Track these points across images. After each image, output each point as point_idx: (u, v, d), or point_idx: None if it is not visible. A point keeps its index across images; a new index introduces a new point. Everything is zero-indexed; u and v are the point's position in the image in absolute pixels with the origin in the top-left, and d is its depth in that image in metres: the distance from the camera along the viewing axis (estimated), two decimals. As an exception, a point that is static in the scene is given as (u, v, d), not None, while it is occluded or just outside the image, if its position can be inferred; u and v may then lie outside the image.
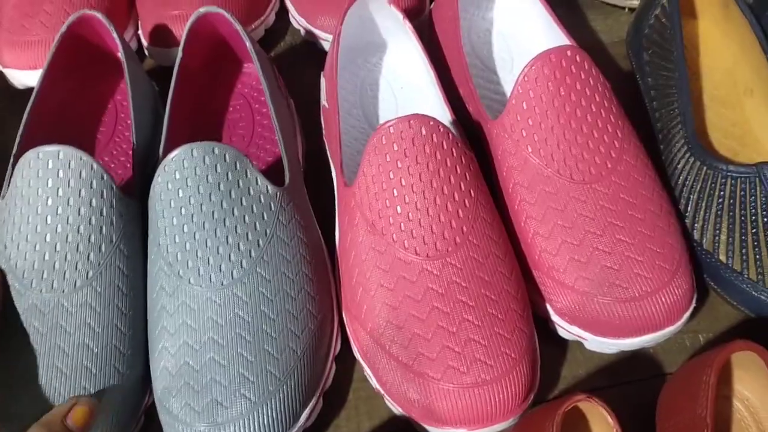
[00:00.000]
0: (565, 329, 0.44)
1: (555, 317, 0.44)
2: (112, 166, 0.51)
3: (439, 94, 0.48)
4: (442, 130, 0.42)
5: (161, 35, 0.56)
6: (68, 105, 0.52)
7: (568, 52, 0.44)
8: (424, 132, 0.42)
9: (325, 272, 0.45)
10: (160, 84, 0.55)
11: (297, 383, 0.40)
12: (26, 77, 0.54)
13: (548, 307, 0.44)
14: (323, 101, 0.51)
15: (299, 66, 0.59)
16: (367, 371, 0.43)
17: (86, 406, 0.36)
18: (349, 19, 0.50)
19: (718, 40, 0.55)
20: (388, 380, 0.41)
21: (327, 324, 0.43)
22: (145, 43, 0.57)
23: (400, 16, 0.50)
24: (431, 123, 0.42)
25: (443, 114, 0.48)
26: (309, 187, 0.49)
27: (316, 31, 0.57)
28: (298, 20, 0.59)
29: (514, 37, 0.54)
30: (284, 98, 0.51)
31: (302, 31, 0.59)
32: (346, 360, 0.44)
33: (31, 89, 0.49)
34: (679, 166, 0.47)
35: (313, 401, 0.41)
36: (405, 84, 0.53)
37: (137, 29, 0.59)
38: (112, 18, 0.55)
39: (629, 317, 0.41)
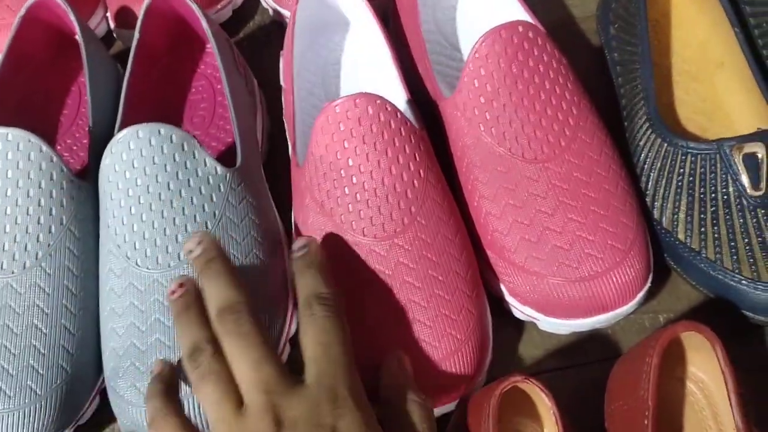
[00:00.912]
0: (519, 310, 0.43)
1: (508, 297, 0.43)
2: (75, 148, 0.51)
3: (397, 74, 0.48)
4: (389, 108, 0.42)
5: (126, 17, 0.56)
6: (31, 88, 0.52)
7: (520, 28, 0.43)
8: (370, 111, 0.41)
9: (278, 254, 0.45)
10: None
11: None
12: (-9, 61, 0.54)
13: (502, 287, 0.43)
14: (281, 81, 0.50)
15: (268, 46, 0.58)
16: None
17: None
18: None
19: (692, 15, 0.53)
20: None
21: (280, 305, 0.43)
22: (112, 25, 0.57)
23: (357, -6, 0.49)
24: (378, 102, 0.41)
25: (400, 93, 0.47)
26: (273, 166, 0.49)
27: (283, 11, 0.57)
28: (266, 0, 0.59)
29: (478, 14, 0.53)
30: (244, 79, 0.51)
31: (270, 11, 0.59)
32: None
33: None
34: (641, 144, 0.46)
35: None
36: (366, 63, 0.52)
37: (107, 11, 0.59)
38: (81, 1, 0.55)
39: (580, 297, 0.40)
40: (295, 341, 0.44)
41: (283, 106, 0.51)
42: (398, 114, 0.42)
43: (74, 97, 0.53)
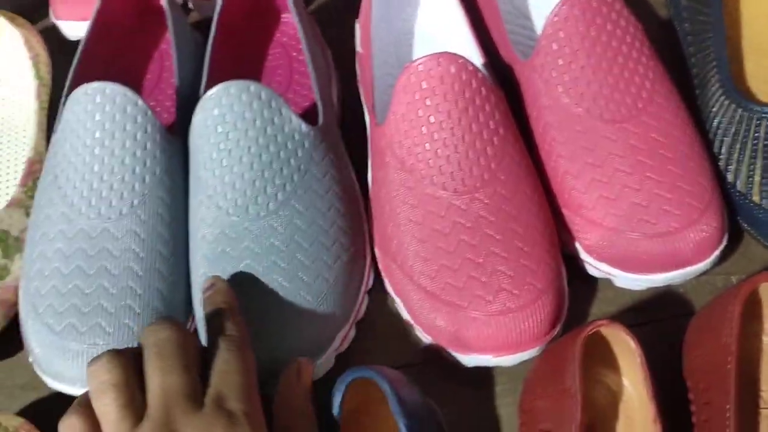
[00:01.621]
0: (594, 266, 0.44)
1: (584, 255, 0.44)
2: (158, 110, 0.53)
3: (472, 40, 0.49)
4: (470, 68, 0.43)
5: (204, -12, 0.58)
6: (115, 54, 0.54)
7: (599, -9, 0.44)
8: (452, 70, 0.42)
9: (357, 210, 0.47)
10: (204, 36, 0.56)
11: (329, 309, 0.41)
12: (77, 28, 0.57)
13: (577, 245, 0.44)
14: (358, 47, 0.52)
15: (338, 17, 0.60)
16: (398, 303, 0.44)
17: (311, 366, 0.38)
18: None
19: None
20: (416, 310, 0.42)
21: (359, 258, 0.45)
22: (189, -4, 0.59)
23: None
24: (460, 61, 0.43)
25: (476, 58, 0.49)
26: (344, 132, 0.51)
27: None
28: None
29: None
30: (321, 47, 0.53)
31: (339, -15, 0.61)
32: (379, 295, 0.46)
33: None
34: (714, 110, 0.47)
35: (346, 328, 0.42)
36: (440, 32, 0.53)
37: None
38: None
39: (657, 252, 0.41)
40: (373, 294, 0.45)
41: (358, 72, 0.52)
42: (479, 73, 0.43)
43: (156, 62, 0.55)
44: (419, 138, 0.43)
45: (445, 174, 0.42)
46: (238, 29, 0.54)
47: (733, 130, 0.46)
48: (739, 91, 0.49)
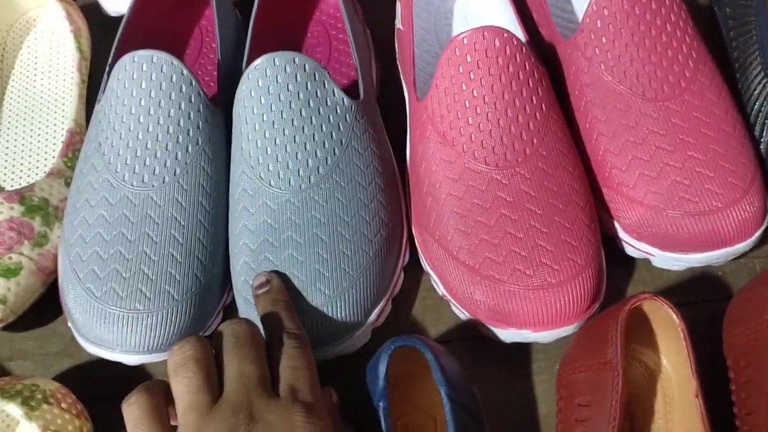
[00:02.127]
0: (633, 246, 0.44)
1: (623, 234, 0.44)
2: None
3: (514, 17, 0.49)
4: (515, 42, 0.43)
5: (243, -33, 0.58)
6: (155, 30, 0.55)
7: (646, -29, 0.44)
8: (497, 44, 0.43)
9: (395, 186, 0.47)
10: (244, 14, 0.57)
11: (368, 283, 0.41)
12: (119, 4, 0.57)
13: (616, 224, 0.44)
14: (398, 24, 0.52)
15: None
16: (434, 278, 0.44)
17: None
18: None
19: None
20: (454, 285, 0.42)
21: (397, 233, 0.45)
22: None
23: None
24: (505, 35, 0.43)
25: (517, 36, 0.48)
26: (382, 110, 0.51)
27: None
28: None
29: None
30: (362, 26, 0.53)
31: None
32: (414, 271, 0.46)
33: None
34: (755, 92, 0.47)
35: (383, 303, 0.43)
36: (479, 12, 0.53)
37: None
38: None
39: (699, 231, 0.41)
40: (408, 270, 0.46)
41: (397, 48, 0.52)
42: (524, 48, 0.43)
43: (196, 38, 0.56)
44: (462, 112, 0.43)
45: (487, 148, 0.42)
46: (278, 7, 0.55)
47: (775, 111, 0.45)
48: None
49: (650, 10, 0.44)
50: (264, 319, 0.38)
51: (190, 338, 0.35)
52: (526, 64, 0.43)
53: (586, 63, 0.45)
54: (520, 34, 0.49)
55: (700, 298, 0.44)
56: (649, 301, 0.37)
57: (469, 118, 0.43)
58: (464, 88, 0.43)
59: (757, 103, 0.47)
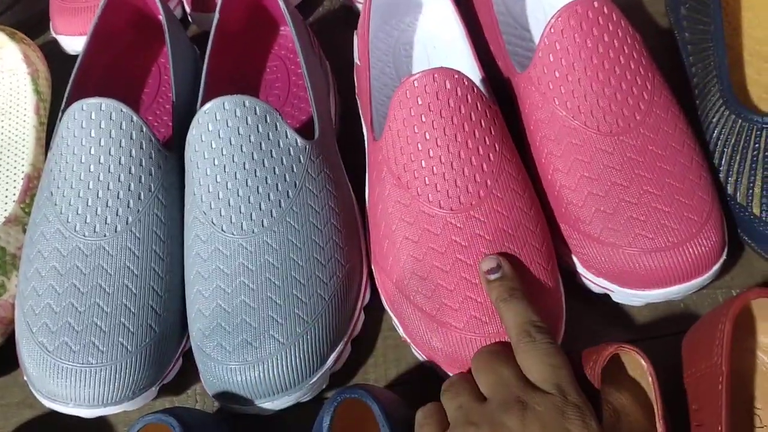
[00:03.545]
0: (593, 282, 0.44)
1: (582, 270, 0.44)
2: (156, 124, 0.53)
3: (470, 51, 0.49)
4: (466, 83, 0.43)
5: (202, 1, 0.58)
6: (113, 68, 0.54)
7: (595, 3, 0.44)
8: (448, 86, 0.42)
9: (354, 225, 0.46)
10: (203, 49, 0.56)
11: (324, 327, 0.41)
12: (76, 43, 0.57)
13: (575, 259, 0.44)
14: (356, 59, 0.52)
15: (337, 29, 0.60)
16: (395, 320, 0.44)
17: None
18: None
19: (763, -6, 0.53)
20: (412, 329, 0.42)
21: (355, 274, 0.44)
22: (188, 9, 0.59)
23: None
24: (456, 77, 0.42)
25: (474, 70, 0.48)
26: (343, 145, 0.51)
27: (352, -5, 0.58)
28: (335, -15, 0.60)
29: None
30: (318, 59, 0.53)
31: (339, -4, 0.61)
32: (375, 310, 0.46)
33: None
34: (714, 120, 0.46)
35: (341, 346, 0.42)
36: (438, 43, 0.53)
37: (182, -3, 0.61)
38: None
39: (655, 268, 0.41)
40: (369, 309, 0.45)
41: (356, 84, 0.52)
42: (475, 89, 0.43)
43: (155, 76, 0.55)
44: (415, 155, 0.43)
45: (441, 192, 0.42)
46: (235, 42, 0.54)
47: (733, 140, 0.45)
48: (740, 99, 0.49)
49: (603, 43, 0.44)
50: (502, 310, 0.38)
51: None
52: (478, 104, 0.43)
53: (540, 97, 0.45)
54: (476, 67, 0.48)
55: (663, 332, 0.44)
56: (620, 351, 0.36)
57: (423, 161, 0.42)
58: (416, 130, 0.42)
59: (716, 131, 0.46)
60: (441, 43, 0.53)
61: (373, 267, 0.46)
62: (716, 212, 0.42)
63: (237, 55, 0.54)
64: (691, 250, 0.41)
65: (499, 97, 0.48)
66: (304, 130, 0.52)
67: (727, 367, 0.35)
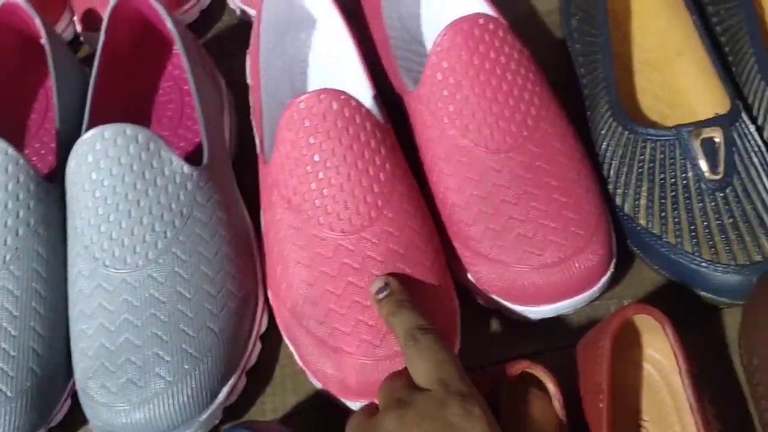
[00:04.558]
0: (486, 298, 0.44)
1: (476, 287, 0.44)
2: (43, 152, 0.51)
3: (362, 70, 0.48)
4: (354, 104, 0.42)
5: (92, 20, 0.56)
6: (-2, 94, 0.52)
7: (481, 20, 0.44)
8: (335, 107, 0.42)
9: (249, 252, 0.45)
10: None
11: (215, 362, 0.40)
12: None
13: (470, 277, 0.44)
14: (248, 79, 0.50)
15: (236, 46, 0.58)
16: (291, 347, 0.43)
17: None
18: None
19: (651, 4, 0.54)
20: (307, 356, 0.41)
21: (250, 303, 0.44)
22: (78, 28, 0.57)
23: (321, -9, 0.49)
24: (342, 97, 0.42)
25: (366, 88, 0.48)
26: (244, 164, 0.49)
27: (250, 11, 0.57)
28: (234, 1, 0.59)
29: (441, 9, 0.53)
30: (211, 78, 0.51)
31: (237, 11, 0.59)
32: (273, 337, 0.45)
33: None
34: (603, 132, 0.47)
35: (234, 379, 0.41)
36: (333, 60, 0.52)
37: (73, 15, 0.59)
38: (47, 5, 0.55)
39: (544, 284, 0.41)
40: (267, 336, 0.44)
41: (251, 104, 0.51)
42: (363, 109, 0.42)
43: (42, 101, 0.53)
44: (304, 177, 0.42)
45: (331, 214, 0.41)
46: (125, 63, 0.53)
47: (620, 152, 0.46)
48: (630, 109, 0.50)
49: (489, 60, 0.44)
50: (392, 323, 0.37)
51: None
52: (367, 124, 0.42)
53: (430, 116, 0.45)
54: (368, 86, 0.48)
55: (559, 344, 0.44)
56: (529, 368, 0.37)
57: (312, 184, 0.42)
58: (305, 152, 0.42)
59: (604, 143, 0.47)
60: (335, 60, 0.52)
61: (269, 293, 0.45)
62: (603, 225, 0.43)
63: (127, 76, 0.53)
64: (578, 264, 0.41)
65: (395, 113, 0.48)
66: (200, 152, 0.50)
67: (607, 384, 0.35)
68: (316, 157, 0.42)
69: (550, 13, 0.58)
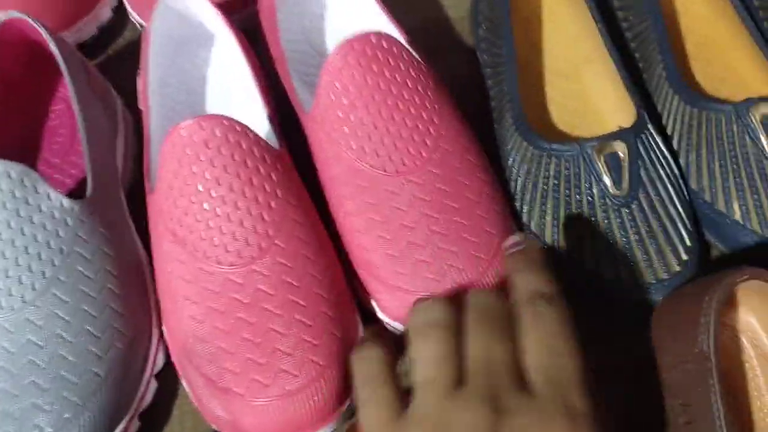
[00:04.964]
0: (391, 326, 0.42)
1: (380, 314, 0.42)
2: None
3: (257, 90, 0.46)
4: (239, 129, 0.40)
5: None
6: None
7: (373, 38, 0.42)
8: (218, 133, 0.39)
9: (142, 286, 0.43)
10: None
11: (100, 407, 0.38)
12: None
13: (374, 303, 0.42)
14: (139, 104, 0.48)
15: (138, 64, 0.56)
16: (185, 386, 0.41)
17: None
18: (164, 14, 0.47)
19: (561, 10, 0.53)
20: (199, 396, 0.39)
21: (142, 341, 0.41)
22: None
23: (213, 9, 0.47)
24: (225, 123, 0.40)
25: (261, 109, 0.46)
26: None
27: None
28: (133, 16, 0.56)
29: (349, 21, 0.51)
30: (100, 101, 0.49)
31: (139, 27, 0.57)
32: (171, 373, 0.42)
33: None
34: (509, 147, 0.46)
35: (124, 423, 0.39)
36: (231, 79, 0.50)
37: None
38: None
39: (445, 311, 0.39)
40: (165, 373, 0.42)
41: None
42: (250, 134, 0.40)
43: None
44: (189, 208, 0.40)
45: (219, 246, 0.39)
46: (13, 87, 0.50)
47: (525, 168, 0.44)
48: (539, 123, 0.49)
49: (384, 79, 0.42)
50: (514, 280, 0.33)
51: (438, 301, 0.32)
52: (254, 150, 0.40)
53: (326, 138, 0.43)
54: (262, 105, 0.46)
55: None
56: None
57: (197, 215, 0.39)
58: (188, 182, 0.40)
59: (510, 158, 0.46)
60: (234, 79, 0.50)
61: (164, 328, 0.43)
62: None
63: (16, 101, 0.50)
64: (480, 287, 0.40)
65: (300, 136, 0.46)
66: (93, 180, 0.48)
67: (715, 352, 0.32)
68: (200, 187, 0.39)
69: (462, 20, 0.57)
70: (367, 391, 0.31)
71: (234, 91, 0.49)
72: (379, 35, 0.42)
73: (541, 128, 0.48)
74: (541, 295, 0.32)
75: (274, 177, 0.41)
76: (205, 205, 0.39)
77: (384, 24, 0.48)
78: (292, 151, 0.45)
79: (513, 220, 0.44)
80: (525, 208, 0.44)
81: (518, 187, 0.44)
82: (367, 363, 0.31)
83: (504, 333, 0.31)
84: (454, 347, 0.30)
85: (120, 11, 0.58)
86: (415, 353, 0.31)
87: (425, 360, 0.30)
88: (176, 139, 0.39)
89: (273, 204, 0.40)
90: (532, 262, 0.34)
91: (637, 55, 0.50)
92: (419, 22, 0.57)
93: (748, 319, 0.39)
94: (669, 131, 0.46)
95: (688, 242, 0.41)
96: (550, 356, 0.29)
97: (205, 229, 0.39)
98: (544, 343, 0.30)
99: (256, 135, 0.41)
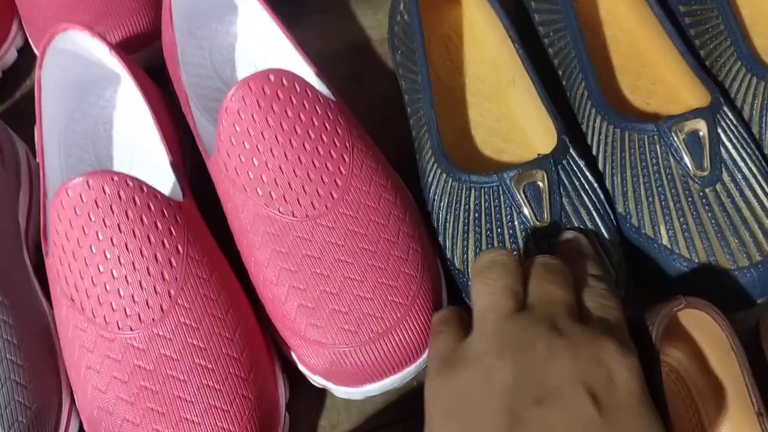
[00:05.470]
0: (311, 379, 0.40)
1: (300, 367, 0.40)
2: None
3: (157, 134, 0.44)
4: (131, 184, 0.37)
5: None
6: None
7: (271, 77, 0.39)
8: (107, 190, 0.37)
9: (50, 351, 0.40)
10: None
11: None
12: None
13: (293, 355, 0.40)
14: (36, 157, 0.45)
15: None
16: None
17: None
18: (55, 57, 0.45)
19: (482, 30, 0.51)
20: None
21: (50, 413, 0.39)
22: None
23: (106, 48, 0.44)
24: (115, 179, 0.37)
25: (163, 155, 0.43)
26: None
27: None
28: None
29: (259, 53, 0.49)
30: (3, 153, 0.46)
31: (45, 67, 0.54)
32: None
33: None
34: (429, 179, 0.44)
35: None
36: (138, 124, 0.47)
37: None
38: None
39: (363, 363, 0.37)
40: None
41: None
42: (144, 188, 0.38)
43: None
44: (84, 271, 0.37)
45: (117, 311, 0.37)
46: None
47: (446, 201, 0.42)
48: (462, 148, 0.47)
49: (287, 119, 0.40)
50: (570, 264, 0.36)
51: (498, 249, 0.35)
52: (150, 204, 0.38)
53: (230, 185, 0.40)
54: (163, 150, 0.43)
55: (395, 417, 0.41)
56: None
57: (93, 278, 0.37)
58: (80, 244, 0.37)
59: (431, 191, 0.43)
60: (139, 123, 0.47)
61: (75, 395, 0.40)
62: (425, 289, 0.39)
63: None
64: (398, 337, 0.37)
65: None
66: None
67: None
68: (94, 249, 0.37)
69: (384, 42, 0.55)
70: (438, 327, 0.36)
71: (138, 137, 0.47)
72: (279, 72, 0.40)
73: (466, 152, 0.46)
74: (595, 276, 0.35)
75: (174, 232, 0.38)
76: (101, 267, 0.37)
77: (294, 54, 0.46)
78: (210, 193, 0.42)
79: (437, 257, 0.42)
80: (447, 243, 0.42)
81: (440, 222, 0.42)
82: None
83: (564, 282, 0.34)
84: (513, 282, 0.33)
85: (27, 51, 0.55)
86: (474, 293, 0.34)
87: (482, 294, 0.33)
88: (64, 199, 0.37)
89: (173, 261, 0.38)
90: (585, 254, 0.37)
91: (560, 72, 0.48)
92: (343, 46, 0.55)
93: (680, 353, 0.37)
94: (594, 152, 0.44)
95: (613, 272, 0.39)
96: (602, 306, 0.33)
97: (103, 293, 0.37)
98: (597, 299, 0.34)
99: (151, 189, 0.38)
